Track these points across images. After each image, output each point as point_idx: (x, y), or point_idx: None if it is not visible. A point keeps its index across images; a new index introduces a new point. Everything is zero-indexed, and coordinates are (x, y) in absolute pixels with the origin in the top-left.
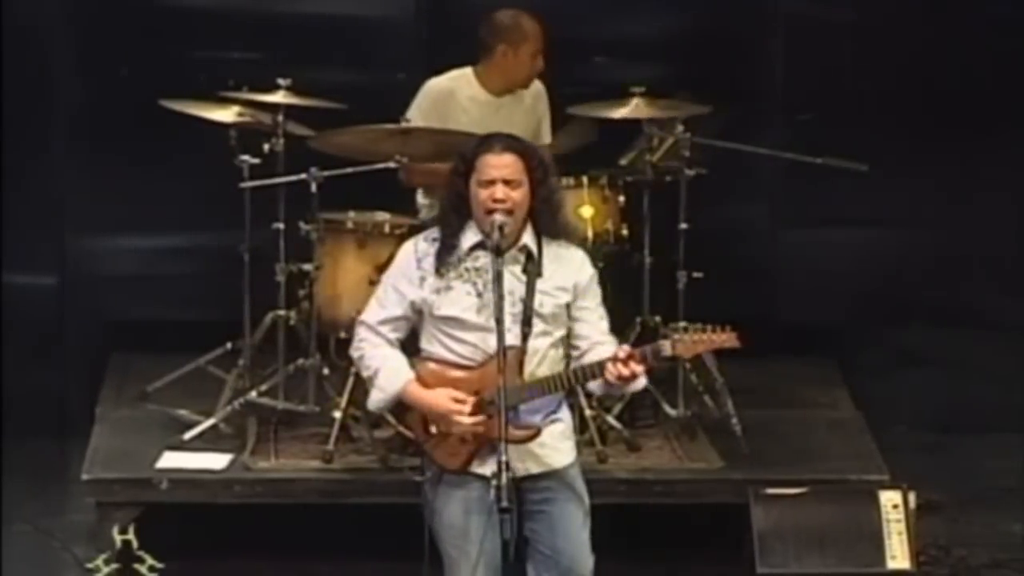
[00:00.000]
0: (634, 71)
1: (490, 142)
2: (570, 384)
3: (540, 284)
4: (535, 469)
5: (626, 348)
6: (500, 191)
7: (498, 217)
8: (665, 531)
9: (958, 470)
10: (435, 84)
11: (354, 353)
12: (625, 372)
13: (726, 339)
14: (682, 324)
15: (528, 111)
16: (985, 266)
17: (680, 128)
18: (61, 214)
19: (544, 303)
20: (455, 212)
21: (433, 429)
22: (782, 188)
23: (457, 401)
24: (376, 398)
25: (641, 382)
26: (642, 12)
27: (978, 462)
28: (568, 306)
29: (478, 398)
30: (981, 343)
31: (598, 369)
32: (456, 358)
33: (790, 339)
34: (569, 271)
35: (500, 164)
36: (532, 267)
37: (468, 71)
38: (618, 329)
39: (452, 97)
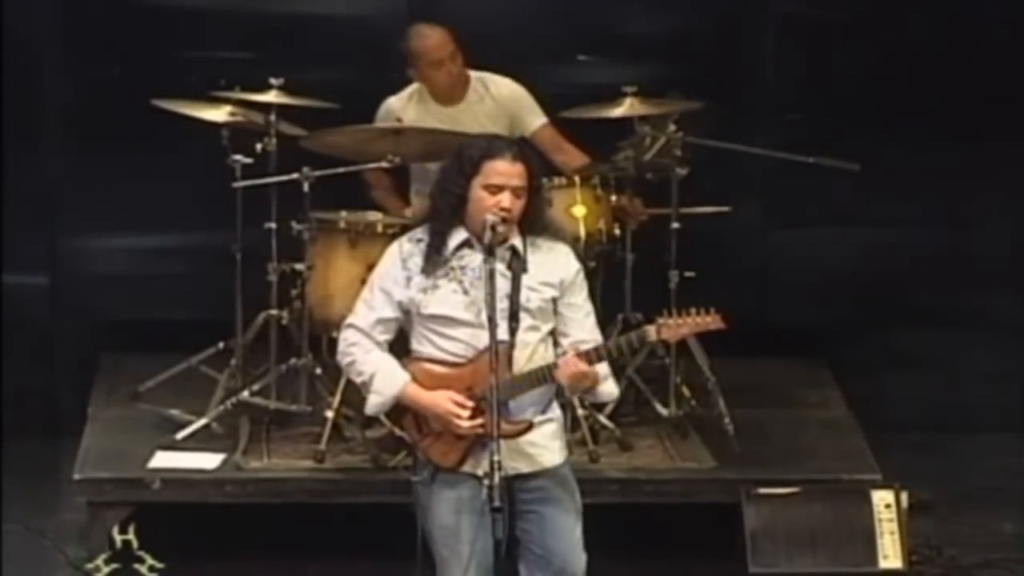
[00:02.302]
0: (625, 71)
1: (499, 147)
2: (555, 376)
3: (526, 279)
4: (526, 468)
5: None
6: (508, 199)
7: (490, 217)
8: (657, 531)
9: (950, 470)
10: (385, 105)
11: (343, 359)
12: (571, 369)
13: (711, 321)
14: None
15: (496, 113)
16: (977, 266)
17: (672, 127)
18: (52, 214)
19: (530, 298)
20: (451, 212)
21: (426, 428)
22: (774, 188)
23: (456, 403)
24: (374, 402)
25: (611, 391)
26: (633, 12)
27: (970, 461)
28: (555, 301)
29: (473, 400)
30: (973, 343)
31: (537, 373)
32: (446, 356)
33: (781, 339)
34: (554, 266)
35: (512, 173)
36: (517, 263)
37: (421, 85)
38: (605, 328)
39: (400, 114)
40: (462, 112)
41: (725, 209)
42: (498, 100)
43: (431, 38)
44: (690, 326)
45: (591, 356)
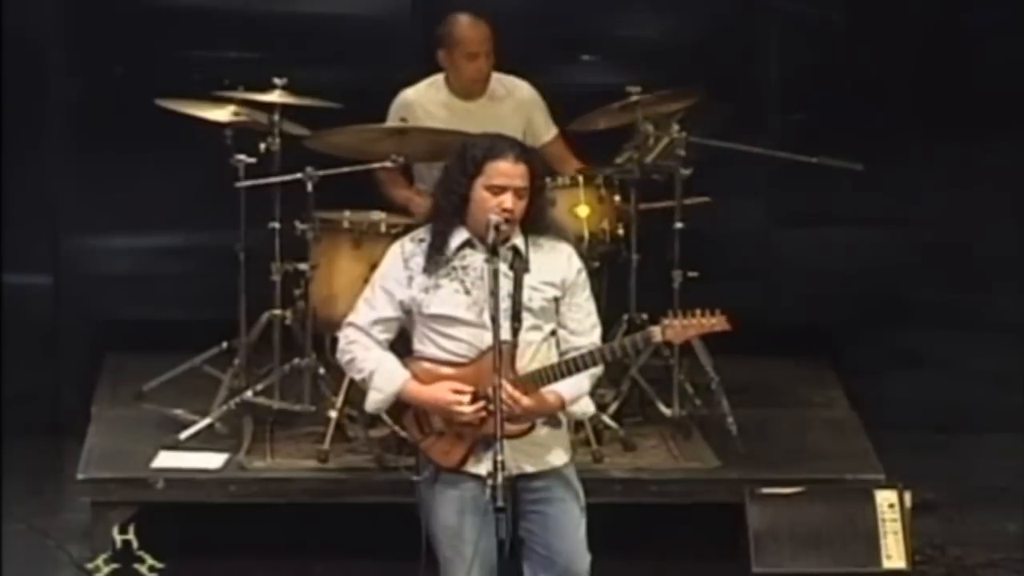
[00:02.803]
0: (629, 71)
1: (502, 148)
2: (560, 376)
3: (528, 279)
4: (530, 468)
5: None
6: (510, 200)
7: (494, 217)
8: (660, 531)
9: (953, 469)
10: (400, 97)
11: (343, 356)
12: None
13: (716, 323)
14: (670, 313)
15: (511, 114)
16: (980, 265)
17: (675, 128)
18: (56, 214)
19: (532, 298)
20: (453, 212)
21: (428, 428)
22: (777, 188)
23: (456, 392)
24: (374, 399)
25: (586, 409)
26: (637, 12)
27: (973, 461)
28: (557, 300)
29: (475, 390)
30: (976, 342)
31: (581, 362)
32: (449, 356)
33: (785, 339)
34: (556, 266)
35: (515, 173)
36: (519, 263)
37: (440, 77)
38: (609, 328)
39: (414, 109)
40: (481, 108)
41: (706, 199)
42: (518, 102)
43: (475, 30)
44: (695, 327)
45: (533, 380)
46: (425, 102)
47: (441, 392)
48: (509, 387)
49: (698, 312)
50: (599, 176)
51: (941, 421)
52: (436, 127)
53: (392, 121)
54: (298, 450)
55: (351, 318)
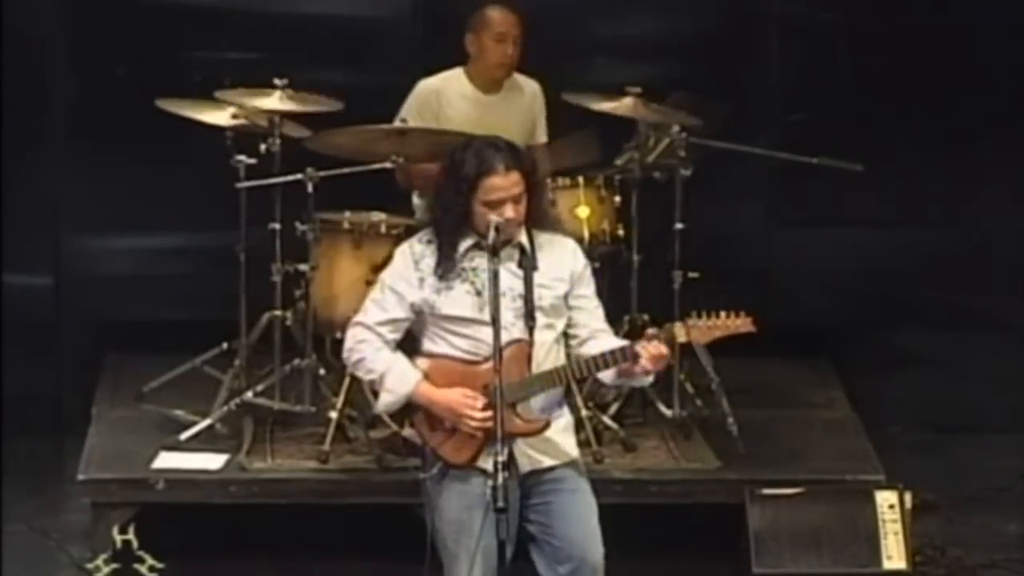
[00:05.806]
0: (630, 71)
1: (491, 162)
2: (581, 375)
3: (537, 277)
4: (540, 464)
5: (651, 331)
6: (510, 210)
7: (493, 218)
8: (661, 531)
9: (954, 470)
10: (424, 85)
11: (351, 355)
12: (653, 351)
13: (741, 324)
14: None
15: (524, 109)
16: (981, 266)
17: (676, 128)
18: (57, 214)
19: (543, 296)
20: (456, 225)
21: (439, 426)
22: (777, 188)
23: (469, 397)
24: (386, 401)
25: (648, 377)
26: (638, 13)
27: (974, 462)
28: (566, 296)
29: (488, 398)
30: (977, 343)
31: (609, 358)
32: (462, 354)
33: (786, 339)
34: (563, 261)
35: (508, 184)
36: (527, 261)
37: (459, 70)
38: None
39: (441, 96)
40: (500, 101)
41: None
42: (531, 97)
43: (506, 14)
44: (721, 328)
45: (662, 336)
46: (448, 91)
47: (455, 397)
48: (656, 343)
49: (723, 313)
50: (599, 176)
51: (942, 421)
52: (435, 128)
53: (415, 109)
54: (298, 451)
55: (359, 318)
